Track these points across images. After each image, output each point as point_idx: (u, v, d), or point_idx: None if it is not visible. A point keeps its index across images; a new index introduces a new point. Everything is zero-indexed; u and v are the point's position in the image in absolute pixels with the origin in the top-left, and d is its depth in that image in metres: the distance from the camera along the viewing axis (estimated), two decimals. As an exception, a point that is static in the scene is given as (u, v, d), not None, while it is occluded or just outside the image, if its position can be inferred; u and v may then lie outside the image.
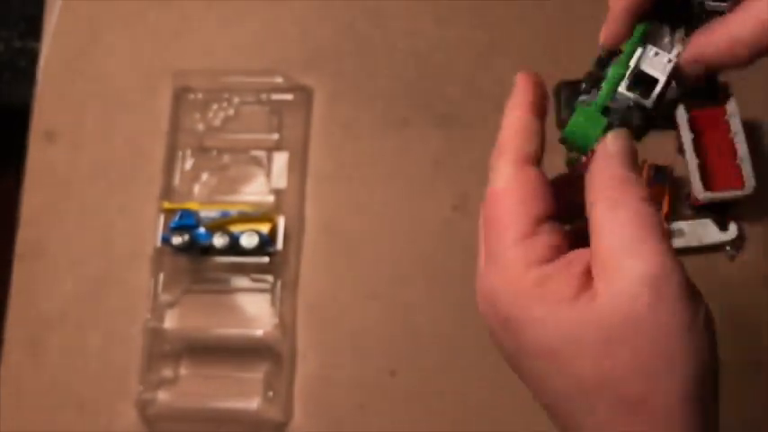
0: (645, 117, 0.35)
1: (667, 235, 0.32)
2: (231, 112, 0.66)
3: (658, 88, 0.35)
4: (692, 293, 0.31)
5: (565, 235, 0.33)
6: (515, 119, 0.35)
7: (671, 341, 0.30)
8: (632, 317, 0.30)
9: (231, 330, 0.62)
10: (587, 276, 0.31)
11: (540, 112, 0.35)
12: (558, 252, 0.32)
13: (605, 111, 0.35)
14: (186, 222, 0.61)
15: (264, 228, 0.61)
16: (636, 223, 0.31)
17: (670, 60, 0.35)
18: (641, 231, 0.31)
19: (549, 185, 0.33)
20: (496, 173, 0.34)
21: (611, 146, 0.33)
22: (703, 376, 0.30)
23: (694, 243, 0.60)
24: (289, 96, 0.66)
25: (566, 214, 0.35)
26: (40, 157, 0.67)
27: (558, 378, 0.31)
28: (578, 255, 0.32)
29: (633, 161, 0.33)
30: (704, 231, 0.60)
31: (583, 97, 0.37)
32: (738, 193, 0.58)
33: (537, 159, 0.34)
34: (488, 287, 0.33)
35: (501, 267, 0.33)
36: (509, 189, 0.33)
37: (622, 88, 0.35)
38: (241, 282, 0.63)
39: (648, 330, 0.30)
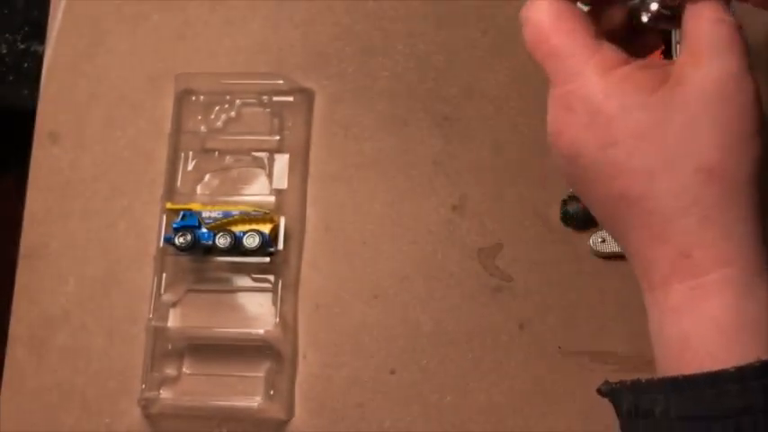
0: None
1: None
2: (233, 114, 0.67)
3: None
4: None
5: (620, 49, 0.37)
6: None
7: (746, 123, 0.35)
8: (721, 97, 0.35)
9: (233, 330, 0.62)
10: (665, 72, 0.36)
11: None
12: (626, 59, 0.37)
13: None
14: (189, 223, 0.61)
15: (266, 228, 0.62)
16: (733, 37, 0.36)
17: None
18: (736, 44, 0.36)
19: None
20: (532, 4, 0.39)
21: None
22: (762, 160, 0.36)
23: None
24: (290, 98, 0.66)
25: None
26: (43, 158, 0.67)
27: (641, 156, 0.35)
28: (650, 59, 0.37)
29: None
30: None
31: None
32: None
33: None
34: (570, 103, 0.37)
35: (581, 82, 0.37)
36: (562, 16, 0.38)
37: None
38: (243, 281, 0.63)
39: (733, 111, 0.35)
